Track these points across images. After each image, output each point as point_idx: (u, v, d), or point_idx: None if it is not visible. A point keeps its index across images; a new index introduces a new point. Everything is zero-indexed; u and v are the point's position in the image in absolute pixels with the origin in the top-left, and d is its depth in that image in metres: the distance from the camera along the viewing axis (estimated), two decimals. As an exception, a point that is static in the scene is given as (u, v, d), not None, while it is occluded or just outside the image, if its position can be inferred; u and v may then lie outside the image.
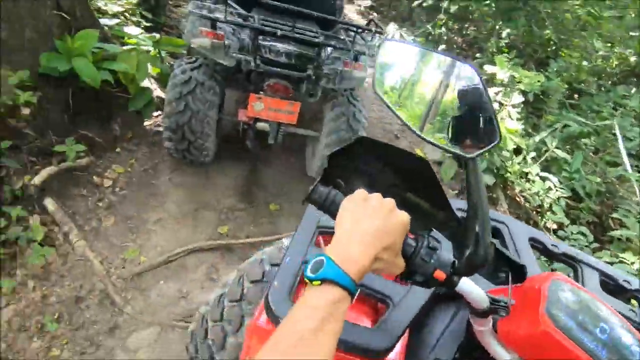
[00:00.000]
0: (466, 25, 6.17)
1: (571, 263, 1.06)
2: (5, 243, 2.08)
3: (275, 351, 0.46)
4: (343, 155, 0.73)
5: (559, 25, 4.90)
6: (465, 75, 0.68)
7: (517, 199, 3.42)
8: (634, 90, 4.17)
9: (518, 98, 3.55)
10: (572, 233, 2.86)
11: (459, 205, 1.07)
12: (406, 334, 0.87)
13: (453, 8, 5.54)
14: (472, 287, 0.65)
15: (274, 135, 2.61)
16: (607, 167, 3.46)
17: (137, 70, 2.73)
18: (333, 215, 0.63)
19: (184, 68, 2.41)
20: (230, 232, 2.59)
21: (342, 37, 2.54)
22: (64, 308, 2.02)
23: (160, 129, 2.84)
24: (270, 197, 2.91)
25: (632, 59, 4.86)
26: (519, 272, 0.71)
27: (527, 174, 3.37)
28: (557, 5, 4.87)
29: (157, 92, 3.13)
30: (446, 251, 0.64)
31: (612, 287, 1.01)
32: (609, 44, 4.96)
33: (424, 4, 6.06)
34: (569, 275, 0.82)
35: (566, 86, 4.18)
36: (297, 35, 2.21)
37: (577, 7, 4.94)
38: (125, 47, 2.84)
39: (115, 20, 3.21)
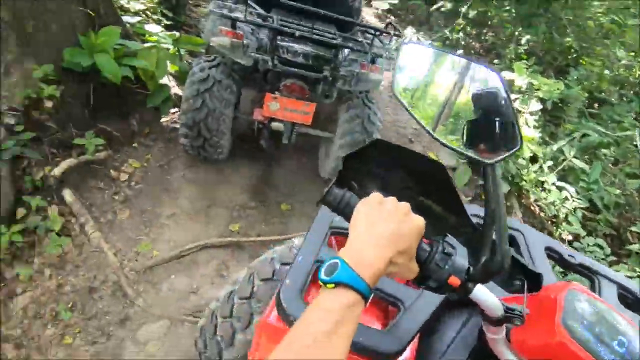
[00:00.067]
0: (484, 31, 6.11)
1: (588, 274, 1.03)
2: (25, 232, 2.13)
3: (289, 352, 0.46)
4: (357, 158, 0.73)
5: (581, 33, 4.81)
6: (487, 79, 0.67)
7: (532, 208, 3.36)
8: (657, 101, 4.06)
9: (536, 105, 3.49)
10: (588, 245, 2.80)
11: (474, 210, 1.06)
12: (416, 339, 0.87)
13: (472, 13, 5.49)
14: (487, 295, 0.64)
15: (288, 135, 2.63)
16: (626, 179, 3.38)
17: (156, 67, 2.78)
18: (347, 218, 0.63)
19: (203, 66, 2.44)
20: (241, 229, 2.61)
21: (359, 39, 2.54)
22: (78, 297, 2.07)
23: (177, 125, 2.88)
24: (282, 197, 2.92)
25: (657, 68, 4.73)
26: (534, 281, 0.70)
27: (543, 183, 3.31)
28: (580, 13, 4.78)
29: (175, 89, 3.19)
30: (461, 257, 0.63)
31: (630, 301, 0.98)
32: (632, 53, 4.84)
33: (442, 9, 6.02)
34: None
35: (586, 95, 4.10)
36: (315, 37, 2.22)
37: (600, 14, 4.84)
38: (145, 45, 2.89)
39: (137, 18, 3.27)
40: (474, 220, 0.69)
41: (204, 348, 1.37)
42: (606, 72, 4.54)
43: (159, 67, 2.80)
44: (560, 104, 3.97)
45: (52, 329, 1.95)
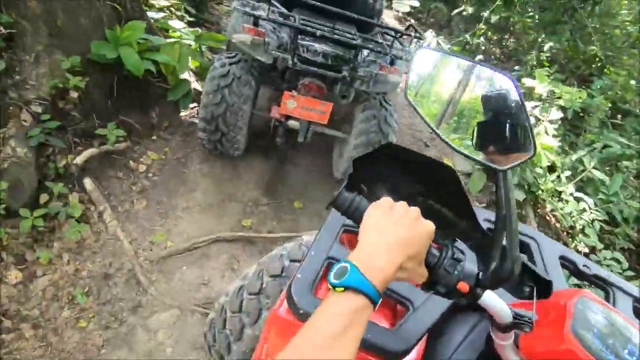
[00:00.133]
0: (506, 37, 6.02)
1: (603, 286, 1.02)
2: (47, 217, 2.21)
3: (297, 353, 0.47)
4: (368, 161, 0.73)
5: (607, 42, 4.69)
6: (499, 83, 0.67)
7: (548, 217, 3.30)
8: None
9: (556, 114, 3.42)
10: (605, 258, 2.74)
11: (485, 215, 1.06)
12: (424, 340, 0.87)
13: (494, 18, 5.42)
14: (496, 301, 0.64)
15: (303, 133, 2.64)
16: (648, 193, 3.28)
17: (178, 62, 2.83)
18: (357, 222, 0.63)
19: (224, 62, 2.48)
20: (253, 225, 2.65)
21: (379, 41, 2.54)
22: (94, 283, 2.13)
23: (195, 120, 2.94)
24: (294, 195, 2.94)
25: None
26: (545, 288, 0.69)
27: (560, 193, 3.24)
28: (606, 21, 4.67)
29: (195, 84, 3.24)
30: (471, 263, 0.63)
31: (645, 315, 0.96)
32: (661, 64, 4.70)
33: (464, 13, 5.96)
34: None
35: (609, 105, 4.00)
36: (336, 36, 2.24)
37: (628, 23, 4.72)
38: (168, 40, 2.96)
39: (161, 14, 3.35)
40: (485, 225, 0.69)
41: (213, 341, 1.39)
42: (632, 82, 4.42)
43: (181, 62, 2.86)
44: (581, 114, 3.89)
45: (68, 311, 2.01)
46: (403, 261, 0.55)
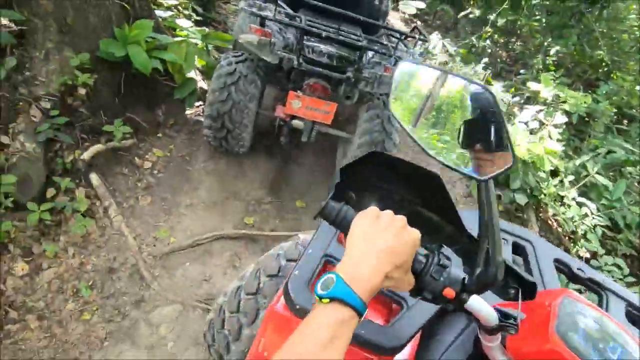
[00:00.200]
0: (512, 40, 5.99)
1: (596, 289, 1.03)
2: (53, 211, 2.25)
3: None
4: (355, 169, 0.74)
5: (614, 46, 4.66)
6: (482, 97, 0.66)
7: (549, 222, 3.29)
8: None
9: (561, 118, 3.42)
10: (606, 264, 2.74)
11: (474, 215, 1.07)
12: (417, 339, 0.89)
13: (500, 21, 5.40)
14: (482, 305, 0.65)
15: (308, 133, 2.67)
16: (652, 199, 3.27)
17: (185, 61, 2.87)
18: (345, 231, 0.64)
19: (230, 60, 2.52)
20: (256, 223, 2.68)
21: (384, 43, 2.56)
22: (98, 277, 2.17)
23: (200, 118, 2.97)
24: (297, 194, 2.97)
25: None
26: (529, 289, 0.71)
27: (562, 197, 3.24)
28: (614, 25, 4.64)
29: (201, 83, 3.28)
30: (457, 268, 0.64)
31: (638, 319, 0.97)
32: (669, 70, 4.66)
33: (471, 15, 5.94)
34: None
35: (615, 110, 3.98)
36: (341, 38, 2.26)
37: (635, 28, 4.69)
38: (176, 39, 2.99)
39: (169, 13, 3.38)
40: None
41: (212, 341, 1.41)
42: (638, 88, 4.39)
43: (187, 61, 2.89)
44: (586, 118, 3.87)
45: (72, 304, 2.05)
46: (390, 270, 0.56)
